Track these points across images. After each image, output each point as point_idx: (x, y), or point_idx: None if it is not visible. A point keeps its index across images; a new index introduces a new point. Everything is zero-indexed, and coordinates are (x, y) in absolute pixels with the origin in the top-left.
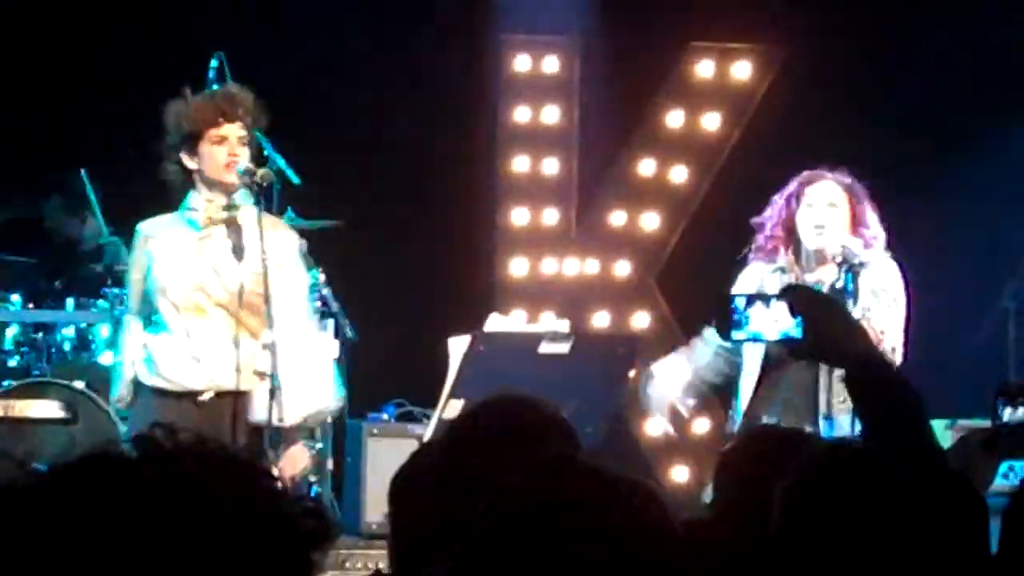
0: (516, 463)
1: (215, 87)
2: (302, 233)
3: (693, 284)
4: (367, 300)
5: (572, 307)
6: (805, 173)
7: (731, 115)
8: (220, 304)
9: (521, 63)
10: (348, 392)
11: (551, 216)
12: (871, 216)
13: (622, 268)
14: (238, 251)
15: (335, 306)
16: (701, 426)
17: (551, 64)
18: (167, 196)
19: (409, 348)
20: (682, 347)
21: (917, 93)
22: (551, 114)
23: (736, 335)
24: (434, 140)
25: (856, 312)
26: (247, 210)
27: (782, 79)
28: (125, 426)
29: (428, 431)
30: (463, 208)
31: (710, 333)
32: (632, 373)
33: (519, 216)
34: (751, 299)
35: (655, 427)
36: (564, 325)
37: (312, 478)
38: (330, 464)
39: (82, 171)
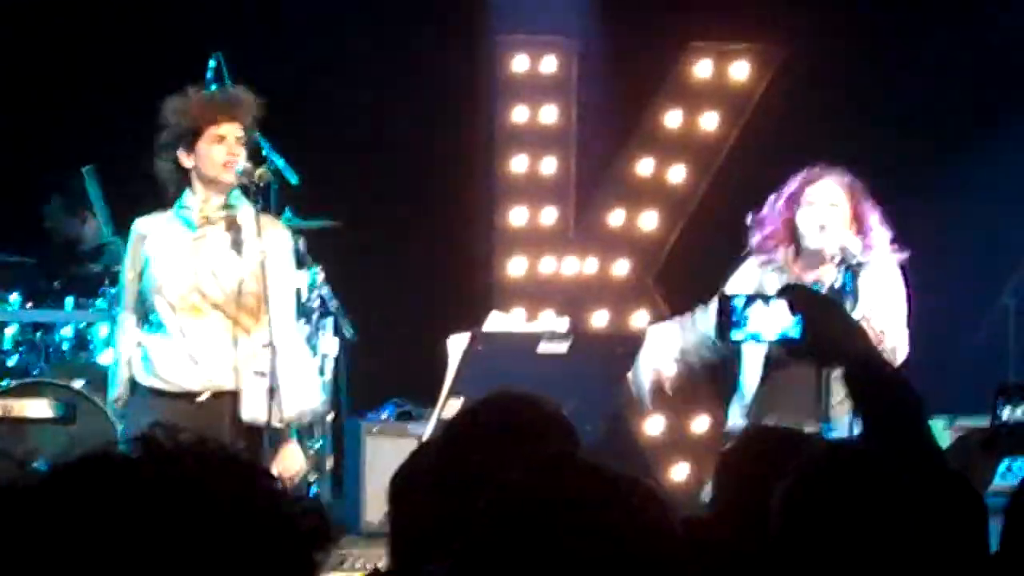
0: (516, 461)
1: (214, 87)
2: (301, 232)
3: (691, 284)
4: (366, 299)
5: (571, 306)
6: (805, 172)
7: (729, 115)
8: (216, 304)
9: (519, 63)
10: (347, 391)
11: (549, 216)
12: (872, 215)
13: (620, 267)
14: (235, 250)
15: (334, 305)
16: (700, 425)
17: (549, 64)
18: (164, 195)
19: (408, 347)
20: (677, 318)
21: (916, 92)
22: (549, 114)
23: (735, 335)
24: (433, 140)
25: (857, 313)
26: (243, 209)
27: (780, 79)
28: (123, 425)
29: (427, 430)
30: (462, 207)
31: (700, 318)
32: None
33: (518, 216)
34: (750, 299)
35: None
36: (563, 324)
37: (311, 477)
38: (329, 463)
39: (85, 170)
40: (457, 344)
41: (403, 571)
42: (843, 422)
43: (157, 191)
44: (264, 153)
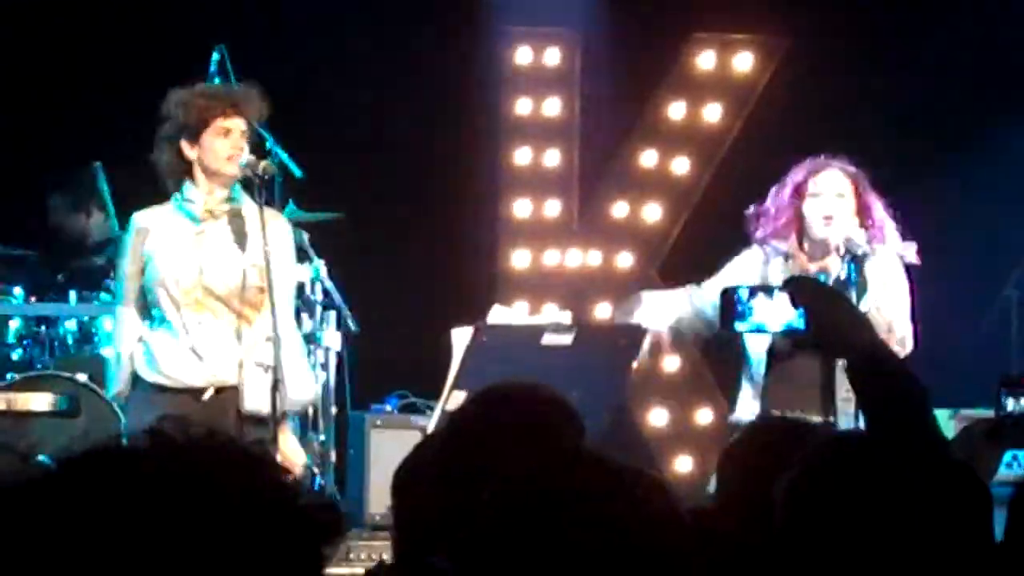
0: (520, 452)
1: (217, 80)
2: (305, 226)
3: (695, 275)
4: (370, 292)
5: (574, 299)
6: (810, 162)
7: (733, 106)
8: (220, 298)
9: (522, 55)
10: (351, 384)
11: (553, 208)
12: (876, 205)
13: (624, 260)
14: (238, 244)
15: (337, 298)
16: (704, 416)
17: (552, 56)
18: (163, 187)
19: (412, 340)
20: (677, 288)
21: (919, 84)
22: (552, 106)
23: (739, 326)
24: (436, 133)
25: (864, 303)
26: (246, 203)
27: (784, 70)
28: (124, 421)
29: (431, 423)
30: (465, 200)
31: (696, 294)
32: (635, 364)
33: (521, 208)
34: (754, 290)
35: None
36: (567, 317)
37: (315, 470)
38: (333, 456)
39: (95, 166)
40: (461, 337)
41: (407, 564)
42: (849, 414)
43: (157, 185)
44: (268, 146)
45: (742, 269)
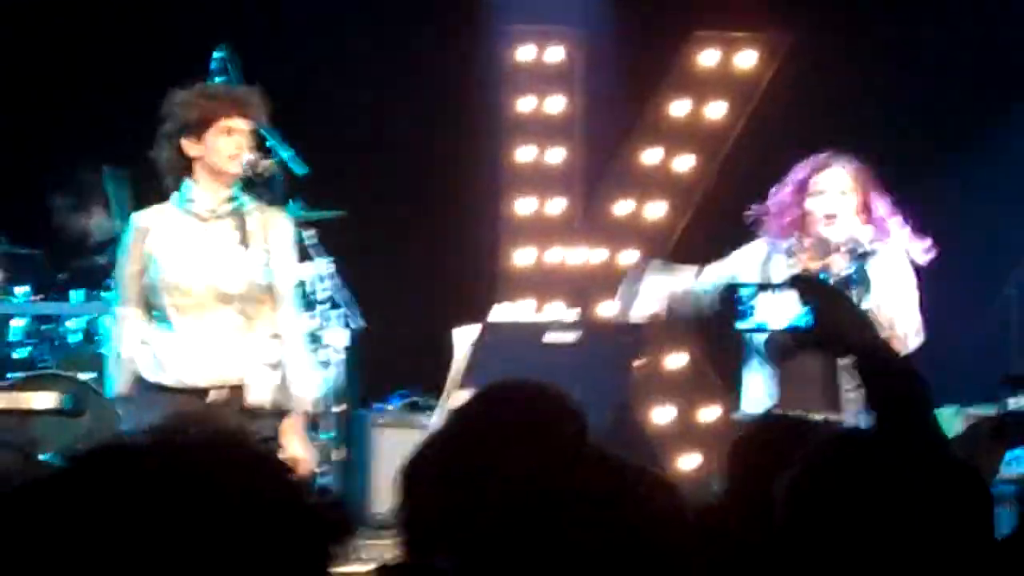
0: (525, 450)
1: (218, 79)
2: (309, 224)
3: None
4: (373, 291)
5: (578, 296)
6: (813, 159)
7: (736, 104)
8: (226, 298)
9: (525, 53)
10: (355, 383)
11: (556, 205)
12: (880, 203)
13: (627, 257)
14: (242, 243)
15: (342, 297)
16: (709, 414)
17: (555, 54)
18: (161, 184)
19: (415, 338)
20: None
21: (921, 83)
22: (555, 104)
23: (742, 324)
24: (438, 131)
25: (868, 302)
26: (248, 201)
27: (787, 67)
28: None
29: (434, 421)
30: (468, 199)
31: (699, 282)
32: (638, 362)
33: (524, 206)
34: (757, 289)
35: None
36: (570, 314)
37: (319, 469)
38: (337, 455)
39: (105, 168)
40: (463, 336)
41: (411, 563)
42: (852, 412)
43: (157, 184)
44: (269, 145)
45: (744, 260)
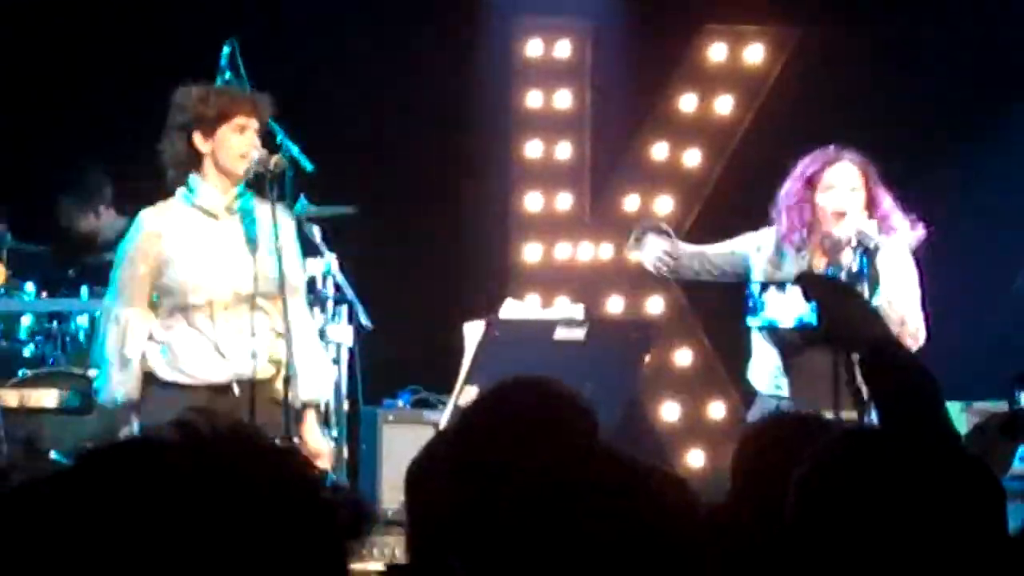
0: (534, 447)
1: (228, 74)
2: (316, 221)
3: None
4: (381, 287)
5: (586, 292)
6: (822, 154)
7: (744, 98)
8: (241, 295)
9: (533, 47)
10: (363, 379)
11: (564, 201)
12: (886, 198)
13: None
14: (252, 240)
15: (349, 293)
16: (716, 411)
17: (563, 48)
18: (164, 179)
19: (424, 334)
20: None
21: (933, 74)
22: (563, 99)
23: (752, 321)
24: (446, 126)
25: (878, 296)
26: (256, 199)
27: (795, 62)
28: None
29: (444, 418)
30: (476, 193)
31: (712, 250)
32: (647, 358)
33: (532, 201)
34: (766, 286)
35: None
36: (579, 310)
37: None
38: (345, 452)
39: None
40: (473, 331)
41: (420, 562)
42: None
43: (161, 182)
44: (279, 140)
45: (755, 243)
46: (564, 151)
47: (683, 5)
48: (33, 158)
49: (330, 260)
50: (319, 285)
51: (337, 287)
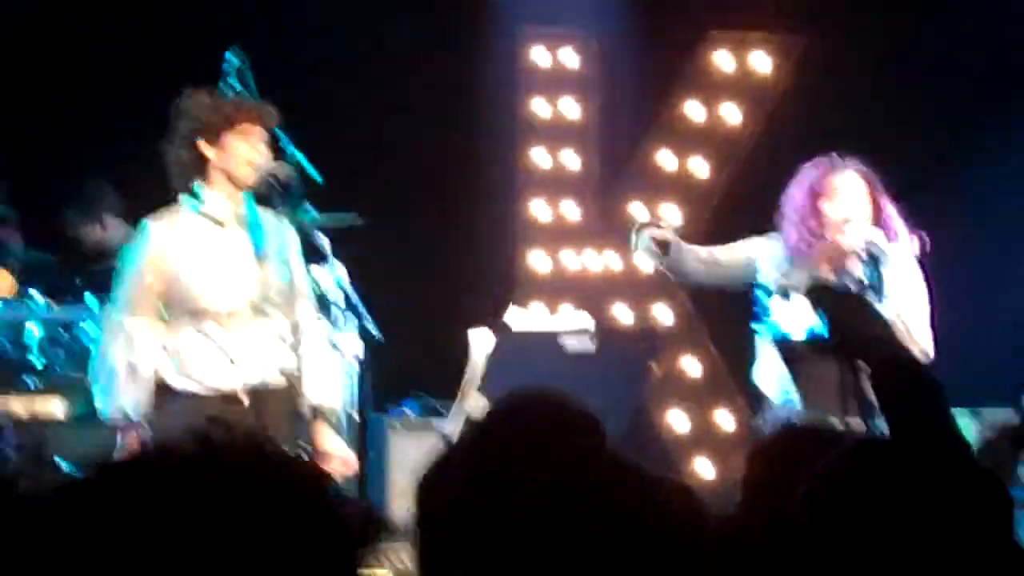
0: (544, 459)
1: (233, 80)
2: (323, 229)
3: None
4: (388, 295)
5: (592, 300)
6: (826, 162)
7: (750, 106)
8: (251, 303)
9: (539, 56)
10: (370, 387)
11: (570, 209)
12: (889, 206)
13: (643, 261)
14: (259, 248)
15: (357, 301)
16: (724, 420)
17: (569, 57)
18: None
19: (430, 342)
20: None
21: (939, 82)
22: (569, 107)
23: (760, 328)
24: (452, 134)
25: (888, 310)
26: (261, 208)
27: (801, 69)
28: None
29: (449, 424)
30: (482, 202)
31: (723, 253)
32: (655, 367)
33: (538, 209)
34: (774, 296)
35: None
36: (585, 319)
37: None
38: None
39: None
40: (478, 337)
41: (429, 571)
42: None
43: (164, 189)
44: (284, 149)
45: (764, 249)
46: (570, 159)
47: (689, 13)
48: (38, 166)
49: (337, 269)
50: (326, 294)
51: (344, 296)
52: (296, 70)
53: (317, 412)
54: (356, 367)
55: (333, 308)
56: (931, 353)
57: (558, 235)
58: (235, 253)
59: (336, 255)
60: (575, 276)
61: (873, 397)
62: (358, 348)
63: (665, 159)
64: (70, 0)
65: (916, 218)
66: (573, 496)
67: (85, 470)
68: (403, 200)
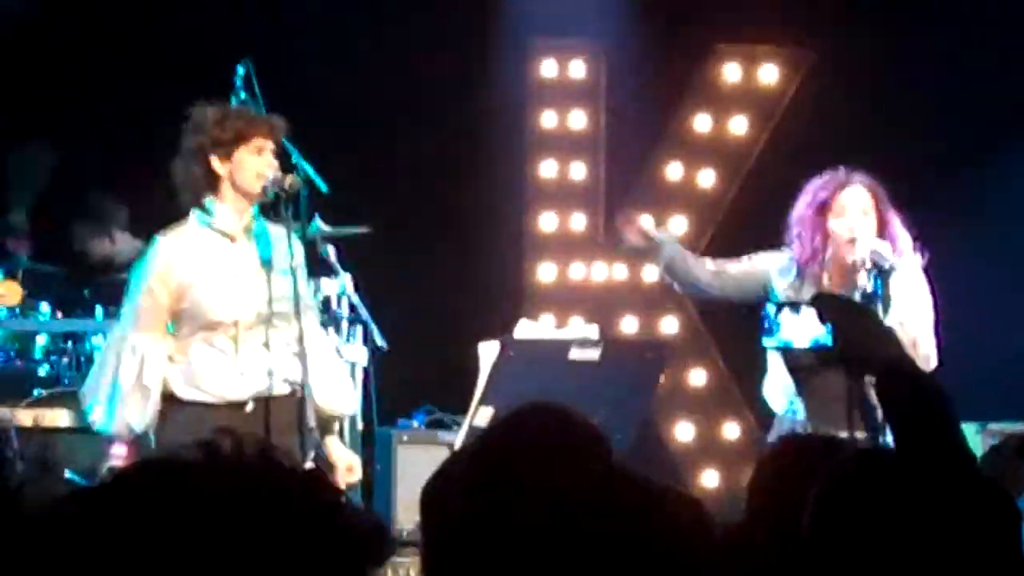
0: (550, 472)
1: (243, 94)
2: (330, 240)
3: None
4: (396, 307)
5: (600, 312)
6: (832, 177)
7: (758, 118)
8: (257, 314)
9: (548, 68)
10: (378, 399)
11: (579, 221)
12: (895, 219)
13: (650, 273)
14: (267, 261)
15: (364, 313)
16: (730, 431)
17: (578, 69)
18: (177, 201)
19: (438, 355)
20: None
21: (946, 94)
22: (578, 119)
23: (767, 342)
24: (461, 146)
25: (890, 318)
26: (269, 220)
27: (809, 82)
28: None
29: (459, 438)
30: (491, 213)
31: (734, 267)
32: (662, 378)
33: (547, 221)
34: (781, 307)
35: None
36: (593, 330)
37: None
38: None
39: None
40: (488, 350)
41: None
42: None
43: (175, 206)
44: (293, 161)
45: (775, 260)
46: (578, 171)
47: (697, 26)
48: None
49: (345, 280)
50: (334, 305)
51: (352, 307)
52: (307, 82)
53: (328, 420)
54: (362, 378)
55: (340, 319)
56: (933, 363)
57: (567, 247)
58: (244, 266)
59: (343, 266)
60: (584, 288)
61: (879, 408)
62: (365, 359)
63: (674, 171)
64: (77, 10)
65: (924, 230)
66: (578, 507)
67: (99, 479)
68: (412, 212)
